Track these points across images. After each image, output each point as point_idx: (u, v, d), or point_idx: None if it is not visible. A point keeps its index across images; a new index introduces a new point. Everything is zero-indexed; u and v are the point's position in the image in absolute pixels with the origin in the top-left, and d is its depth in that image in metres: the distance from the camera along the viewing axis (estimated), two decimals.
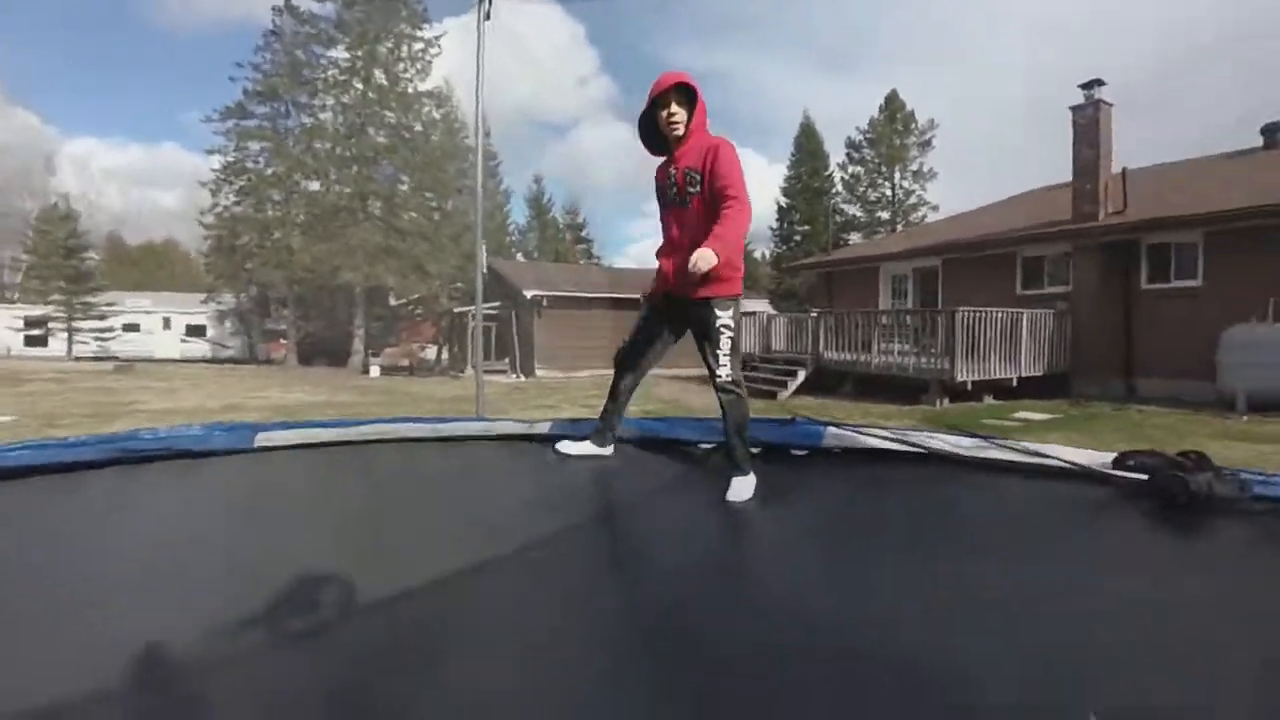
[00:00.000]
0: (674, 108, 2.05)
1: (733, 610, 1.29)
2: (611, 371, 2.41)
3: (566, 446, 2.33)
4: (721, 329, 2.07)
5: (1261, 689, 0.98)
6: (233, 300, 27.22)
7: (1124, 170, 11.01)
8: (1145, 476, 1.61)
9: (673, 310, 2.22)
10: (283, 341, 26.85)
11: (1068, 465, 1.83)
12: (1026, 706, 0.92)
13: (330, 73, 23.74)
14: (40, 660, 1.11)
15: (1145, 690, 0.97)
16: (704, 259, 1.86)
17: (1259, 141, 13.06)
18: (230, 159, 23.67)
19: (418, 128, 24.82)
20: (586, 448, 2.31)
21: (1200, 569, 1.38)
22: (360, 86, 23.85)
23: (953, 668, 1.02)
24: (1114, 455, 1.78)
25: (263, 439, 2.32)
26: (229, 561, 1.51)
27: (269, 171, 23.74)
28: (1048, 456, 1.90)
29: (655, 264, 2.26)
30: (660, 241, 2.25)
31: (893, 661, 1.04)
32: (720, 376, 2.07)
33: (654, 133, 2.16)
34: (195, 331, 31.47)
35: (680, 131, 2.08)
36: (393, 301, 26.80)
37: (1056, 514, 1.71)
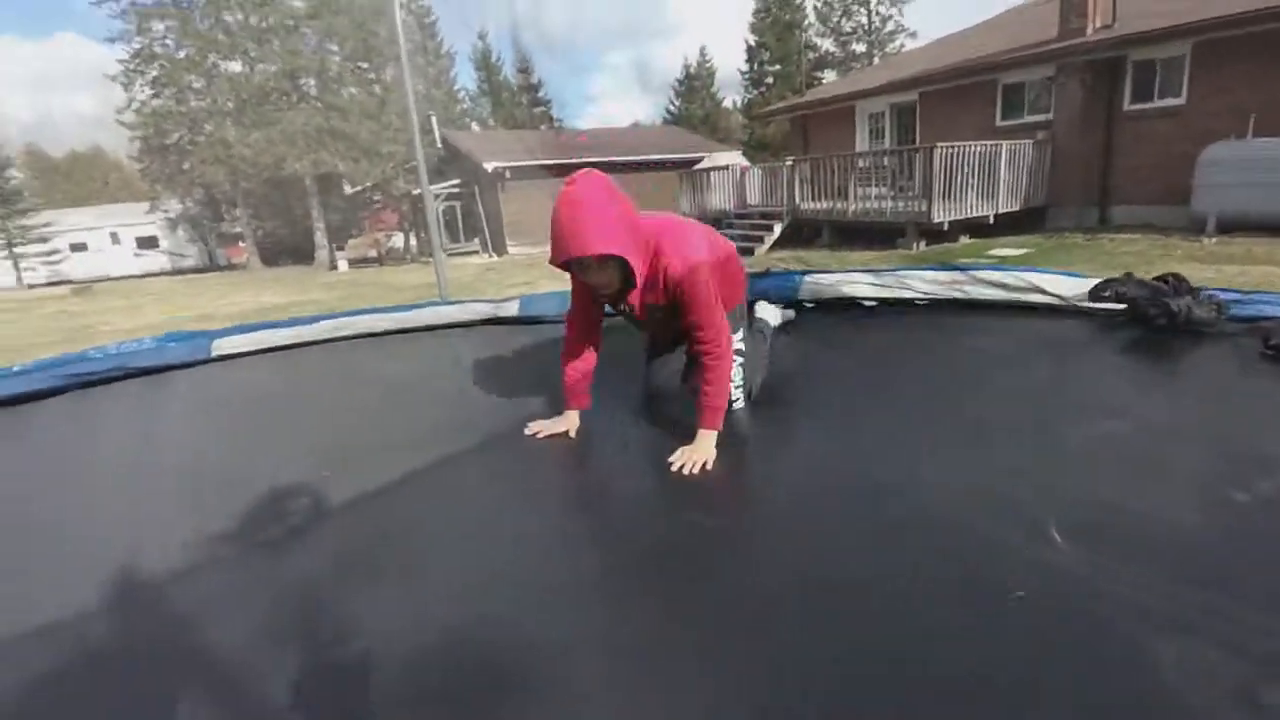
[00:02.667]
0: (594, 278, 1.48)
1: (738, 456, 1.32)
2: None
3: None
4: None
5: (1224, 496, 1.01)
6: (179, 206, 25.52)
7: None
8: (1123, 305, 1.58)
9: None
10: (242, 245, 25.64)
11: (1045, 296, 1.80)
12: (999, 516, 1.01)
13: None
14: (21, 588, 1.08)
15: (1118, 500, 1.02)
16: (706, 453, 1.39)
17: None
18: (136, 45, 21.15)
19: None
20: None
21: (1176, 389, 1.39)
22: None
23: (937, 486, 1.11)
24: (1093, 283, 1.74)
25: (219, 346, 2.23)
26: (201, 479, 1.48)
27: (180, 55, 21.32)
28: (1024, 284, 1.86)
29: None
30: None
31: (876, 482, 1.15)
32: (738, 402, 1.65)
33: None
34: (148, 243, 29.76)
35: (612, 290, 1.53)
36: (348, 190, 25.31)
37: (1036, 342, 1.70)
